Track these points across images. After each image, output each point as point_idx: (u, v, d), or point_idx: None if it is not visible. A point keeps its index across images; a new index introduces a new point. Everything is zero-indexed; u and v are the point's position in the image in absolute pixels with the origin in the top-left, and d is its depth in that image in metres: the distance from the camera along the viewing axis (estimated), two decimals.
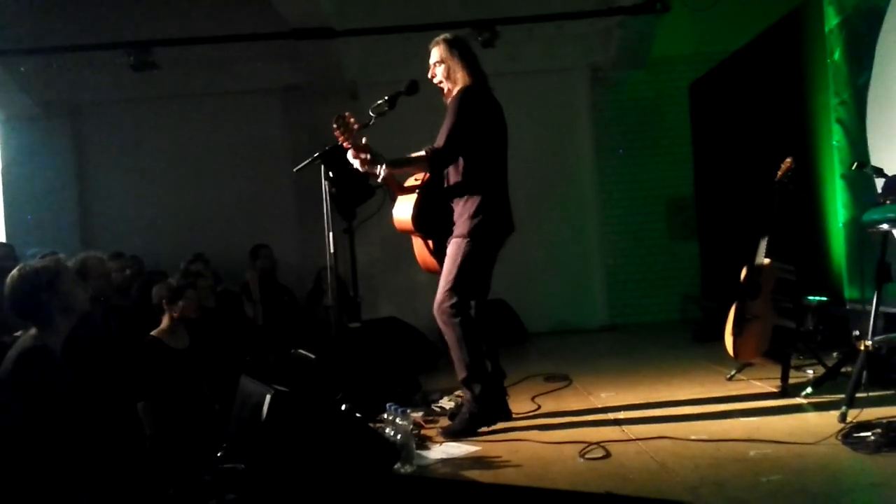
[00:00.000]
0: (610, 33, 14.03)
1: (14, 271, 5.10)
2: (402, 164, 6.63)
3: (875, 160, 7.92)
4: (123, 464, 5.53)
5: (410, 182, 6.86)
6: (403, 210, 6.74)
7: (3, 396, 4.71)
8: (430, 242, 6.90)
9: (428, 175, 6.75)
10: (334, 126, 6.20)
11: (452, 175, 6.69)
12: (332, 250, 6.62)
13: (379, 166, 6.43)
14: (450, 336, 6.59)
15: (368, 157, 6.37)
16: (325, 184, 6.54)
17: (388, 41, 13.00)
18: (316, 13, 12.13)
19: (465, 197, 6.59)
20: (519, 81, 13.89)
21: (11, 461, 4.61)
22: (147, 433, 6.67)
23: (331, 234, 6.63)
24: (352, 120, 6.23)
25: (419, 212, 6.65)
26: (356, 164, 6.37)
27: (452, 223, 6.66)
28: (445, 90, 6.78)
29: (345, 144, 6.27)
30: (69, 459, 4.77)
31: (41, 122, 14.59)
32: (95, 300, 7.09)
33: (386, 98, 6.59)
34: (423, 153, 6.50)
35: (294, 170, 6.81)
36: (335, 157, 6.45)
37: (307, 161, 6.55)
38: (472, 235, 6.49)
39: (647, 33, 13.61)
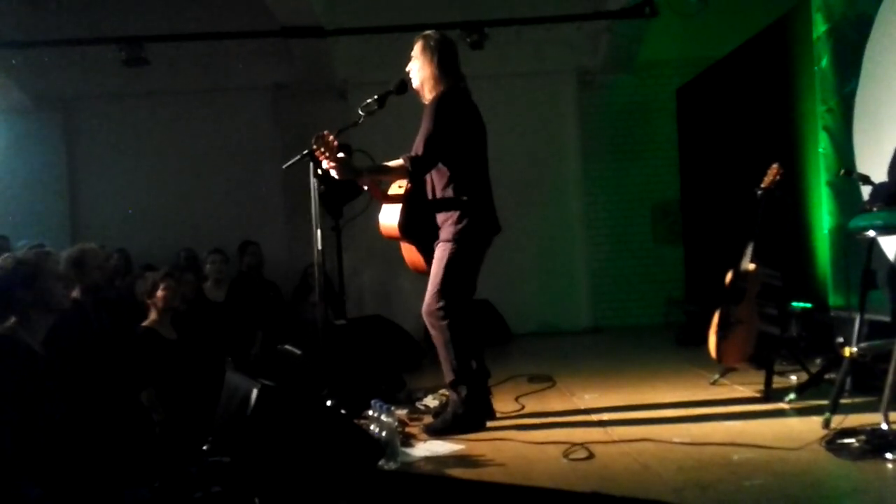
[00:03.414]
0: (598, 37, 14.04)
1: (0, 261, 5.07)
2: (380, 173, 6.70)
3: (861, 168, 7.94)
4: (112, 452, 5.53)
5: (395, 189, 6.86)
6: (390, 217, 6.75)
7: None
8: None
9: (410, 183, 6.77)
10: (314, 146, 6.23)
11: (435, 180, 6.71)
12: (319, 248, 6.63)
13: (358, 177, 6.49)
14: (438, 339, 6.62)
15: (342, 160, 6.38)
16: (313, 181, 6.55)
17: (377, 41, 12.99)
18: (306, 12, 12.13)
19: (449, 202, 6.62)
20: (507, 84, 13.99)
21: None
22: (156, 419, 6.73)
23: (318, 231, 6.63)
24: (331, 138, 6.26)
25: (405, 218, 6.66)
26: (332, 172, 6.38)
27: (438, 228, 6.70)
28: (420, 86, 6.79)
29: (328, 164, 6.29)
30: (50, 448, 4.78)
31: (32, 116, 14.57)
32: (89, 291, 7.13)
33: (375, 97, 6.62)
34: (401, 162, 6.52)
35: (283, 167, 6.80)
36: None
37: (296, 158, 6.54)
38: (457, 240, 6.53)
39: (635, 38, 13.63)
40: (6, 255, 5.18)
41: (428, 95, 6.71)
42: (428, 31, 6.83)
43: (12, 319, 4.98)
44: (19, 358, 4.93)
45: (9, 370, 4.83)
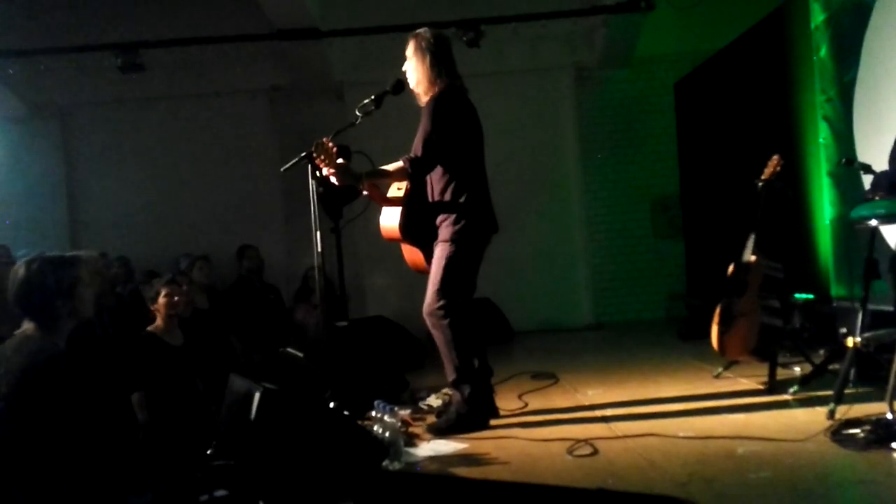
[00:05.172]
0: (594, 32, 14.04)
1: (31, 266, 4.91)
2: (380, 177, 6.67)
3: (862, 157, 7.93)
4: (117, 457, 5.51)
5: (394, 191, 6.83)
6: (390, 219, 6.73)
7: (18, 404, 4.60)
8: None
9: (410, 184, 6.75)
10: (314, 154, 6.21)
11: (433, 181, 6.70)
12: (319, 249, 6.60)
13: (357, 182, 6.47)
14: (439, 338, 6.60)
15: (342, 166, 6.39)
16: (311, 183, 6.51)
17: (373, 41, 12.99)
18: (301, 14, 12.12)
19: (447, 203, 6.60)
20: (504, 81, 13.99)
21: (16, 464, 4.57)
22: (140, 422, 6.71)
23: (318, 233, 6.60)
24: (330, 144, 6.25)
25: (406, 220, 6.64)
26: (332, 179, 6.36)
27: (437, 228, 6.69)
28: (417, 84, 6.75)
29: (327, 171, 6.28)
30: (69, 458, 4.75)
31: (29, 124, 14.58)
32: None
33: (372, 97, 6.58)
34: (400, 164, 6.51)
35: (281, 169, 6.77)
36: None
37: (294, 161, 6.49)
38: (455, 240, 6.51)
39: (631, 32, 13.61)
40: (39, 259, 5.04)
41: (424, 96, 6.68)
42: (420, 30, 6.78)
43: (33, 325, 4.91)
44: (63, 373, 4.86)
45: (64, 388, 4.77)
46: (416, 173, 6.53)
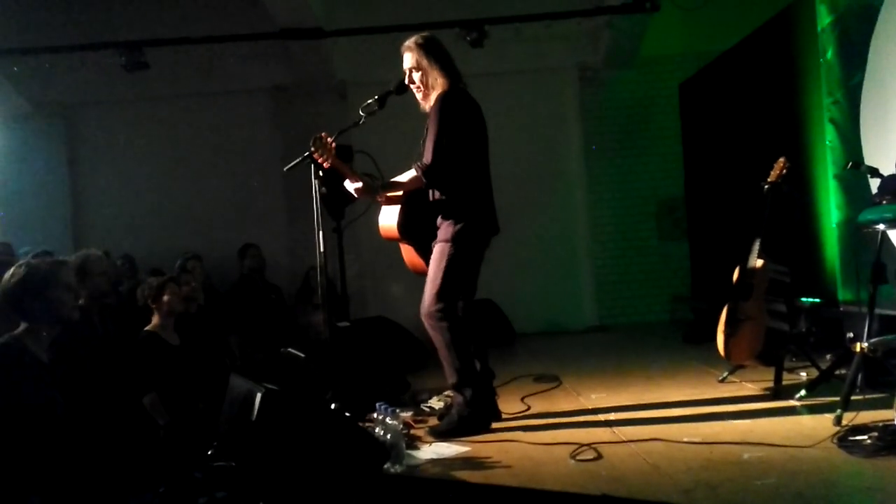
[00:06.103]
0: (599, 33, 13.99)
1: (17, 266, 5.07)
2: (397, 188, 6.63)
3: (869, 160, 7.88)
4: (121, 459, 5.50)
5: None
6: (389, 217, 6.71)
7: None
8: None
9: None
10: (312, 148, 6.22)
11: None
12: (321, 249, 6.57)
13: (375, 193, 6.50)
14: (438, 341, 6.58)
15: (362, 185, 6.48)
16: (314, 183, 6.49)
17: (376, 41, 12.91)
18: (305, 13, 12.11)
19: (449, 203, 6.57)
20: (507, 81, 13.94)
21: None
22: (161, 423, 6.71)
23: (320, 233, 6.57)
24: (329, 140, 6.27)
25: (404, 219, 6.62)
26: (352, 191, 6.38)
27: (437, 228, 6.65)
28: (422, 95, 6.71)
29: (325, 164, 6.27)
30: (51, 457, 4.74)
31: (34, 122, 14.56)
32: (93, 297, 7.10)
33: (375, 97, 6.59)
34: (414, 173, 6.50)
35: (284, 169, 6.75)
36: None
37: (297, 160, 6.49)
38: (455, 241, 6.47)
39: (636, 33, 13.56)
40: (21, 262, 5.16)
41: (429, 100, 6.65)
42: (416, 38, 6.71)
43: (22, 326, 4.97)
44: (25, 366, 4.90)
45: (14, 378, 4.80)
46: (431, 182, 6.51)
